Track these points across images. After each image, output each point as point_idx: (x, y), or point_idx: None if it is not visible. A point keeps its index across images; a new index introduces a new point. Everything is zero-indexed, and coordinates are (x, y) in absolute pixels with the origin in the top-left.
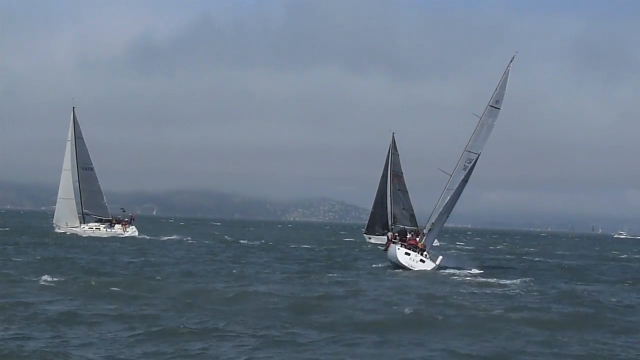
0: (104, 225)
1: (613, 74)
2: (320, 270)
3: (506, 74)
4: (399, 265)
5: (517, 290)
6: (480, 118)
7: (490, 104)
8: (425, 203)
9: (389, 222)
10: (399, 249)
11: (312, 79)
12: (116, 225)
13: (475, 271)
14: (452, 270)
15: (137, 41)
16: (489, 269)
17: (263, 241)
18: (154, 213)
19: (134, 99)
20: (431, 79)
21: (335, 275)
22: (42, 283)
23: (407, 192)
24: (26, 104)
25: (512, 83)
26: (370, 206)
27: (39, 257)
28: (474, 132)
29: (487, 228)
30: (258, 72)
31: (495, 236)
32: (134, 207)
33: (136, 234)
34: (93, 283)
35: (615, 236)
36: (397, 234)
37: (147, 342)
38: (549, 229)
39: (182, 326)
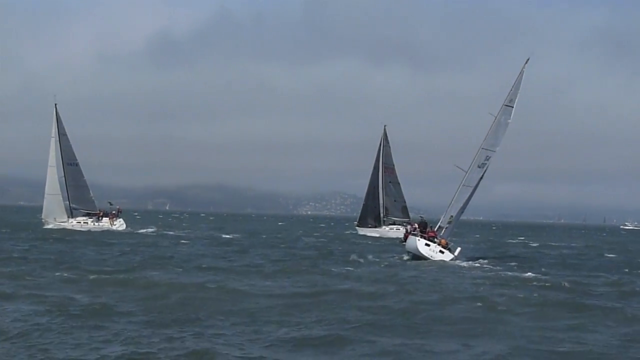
0: (91, 219)
1: (638, 64)
2: (336, 263)
3: (521, 74)
4: (418, 256)
5: (535, 282)
6: (496, 117)
7: (505, 103)
8: (439, 194)
9: (381, 214)
10: (419, 240)
11: (331, 71)
12: (104, 219)
13: (493, 262)
14: (471, 262)
15: (155, 35)
16: (506, 260)
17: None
18: (167, 208)
19: (152, 93)
20: (452, 71)
21: (352, 268)
22: (57, 278)
23: (399, 184)
24: (42, 99)
25: (534, 74)
26: None
27: (45, 253)
28: (490, 130)
29: (500, 220)
30: (276, 65)
31: (499, 227)
32: (146, 202)
33: (124, 227)
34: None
35: (621, 227)
36: (416, 226)
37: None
38: (562, 221)
39: (194, 323)
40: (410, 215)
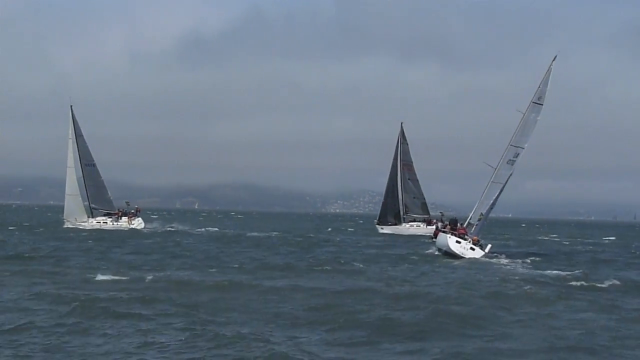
0: (110, 219)
1: None
2: (365, 261)
3: (549, 71)
4: (449, 253)
5: (567, 280)
6: (524, 114)
7: (533, 100)
8: (468, 191)
9: (401, 212)
10: (450, 237)
11: (361, 69)
12: (123, 218)
13: (524, 259)
14: (502, 259)
15: (186, 34)
16: (537, 257)
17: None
18: (196, 207)
19: (181, 92)
20: (482, 68)
21: (381, 267)
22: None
23: (417, 180)
24: (74, 99)
25: (564, 70)
26: None
27: (78, 251)
28: (518, 127)
29: (529, 217)
30: (306, 63)
31: (528, 224)
32: (174, 201)
33: (142, 225)
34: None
35: None
36: (447, 224)
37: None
38: (592, 218)
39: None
40: (431, 212)
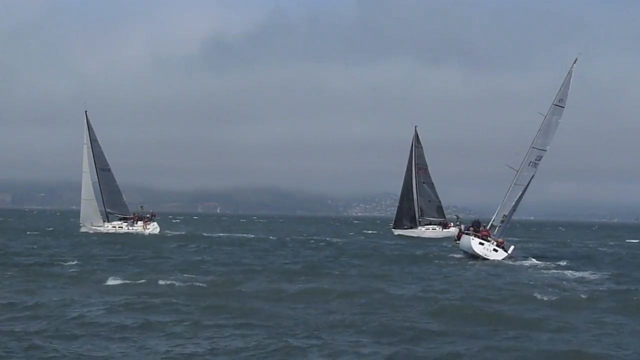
0: (126, 223)
1: None
2: (385, 264)
3: (570, 74)
4: (473, 255)
5: (591, 283)
6: (545, 117)
7: (554, 102)
8: (490, 193)
9: (417, 216)
10: (473, 239)
11: (384, 72)
12: (138, 222)
13: (547, 261)
14: (525, 261)
15: (210, 38)
16: (561, 260)
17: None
18: (218, 211)
19: (205, 96)
20: (505, 70)
21: (402, 270)
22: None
23: (432, 184)
24: (99, 104)
25: (588, 72)
26: None
27: (102, 257)
28: (540, 129)
29: (551, 219)
30: (330, 66)
31: (551, 226)
32: (196, 205)
33: (157, 230)
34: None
35: None
36: (469, 226)
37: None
38: (615, 220)
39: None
40: (450, 215)
